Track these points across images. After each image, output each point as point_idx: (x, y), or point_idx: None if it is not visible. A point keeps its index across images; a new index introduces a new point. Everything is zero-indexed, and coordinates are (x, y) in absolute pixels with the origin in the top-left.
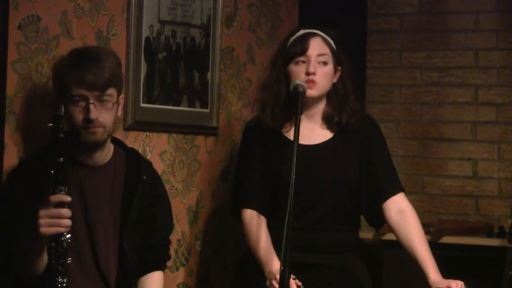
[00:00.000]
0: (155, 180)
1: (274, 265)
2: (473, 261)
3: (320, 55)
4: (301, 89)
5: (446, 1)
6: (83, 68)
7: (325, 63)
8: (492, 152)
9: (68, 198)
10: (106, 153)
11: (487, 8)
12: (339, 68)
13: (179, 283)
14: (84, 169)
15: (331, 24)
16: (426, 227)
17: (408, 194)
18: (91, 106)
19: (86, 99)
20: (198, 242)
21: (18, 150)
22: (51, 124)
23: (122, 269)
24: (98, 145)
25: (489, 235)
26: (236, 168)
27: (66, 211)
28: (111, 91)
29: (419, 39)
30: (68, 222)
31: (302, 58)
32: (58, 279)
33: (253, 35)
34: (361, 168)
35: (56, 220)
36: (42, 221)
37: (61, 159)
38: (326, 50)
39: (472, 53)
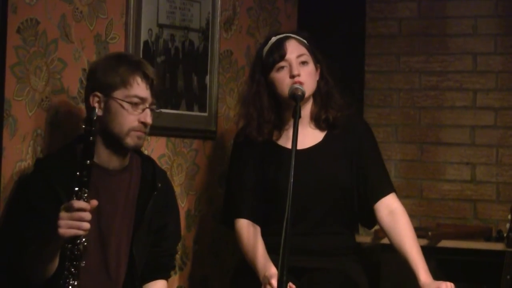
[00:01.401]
0: (169, 189)
1: (269, 269)
2: (471, 265)
3: (299, 56)
4: (299, 93)
5: (444, 6)
6: (150, 72)
7: (306, 63)
8: (490, 156)
9: (89, 206)
10: (127, 158)
11: (486, 13)
12: (318, 65)
13: (178, 287)
14: (101, 172)
15: (330, 28)
16: (424, 231)
17: (406, 198)
18: (149, 111)
19: (145, 103)
20: (196, 246)
21: (16, 153)
22: (84, 126)
23: (130, 274)
24: (133, 150)
25: (488, 239)
26: (226, 182)
27: (87, 215)
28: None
29: (417, 44)
30: (87, 225)
31: (282, 64)
32: (70, 281)
33: (251, 39)
34: (352, 169)
35: (77, 223)
36: (62, 222)
37: (88, 161)
38: (304, 50)
39: (471, 58)
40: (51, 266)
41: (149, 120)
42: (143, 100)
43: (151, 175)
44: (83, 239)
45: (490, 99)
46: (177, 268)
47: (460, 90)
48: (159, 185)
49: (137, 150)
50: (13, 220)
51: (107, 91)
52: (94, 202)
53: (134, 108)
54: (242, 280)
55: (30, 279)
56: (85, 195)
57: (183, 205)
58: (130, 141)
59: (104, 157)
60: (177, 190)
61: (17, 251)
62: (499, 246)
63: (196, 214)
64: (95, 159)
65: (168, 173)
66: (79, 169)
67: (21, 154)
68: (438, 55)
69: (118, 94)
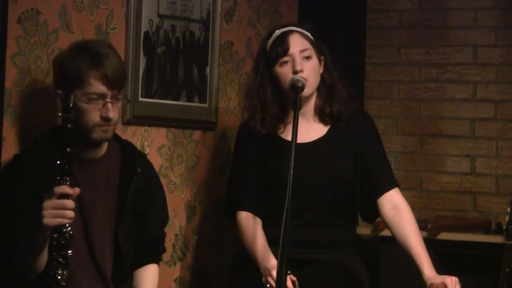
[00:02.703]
0: (150, 172)
1: (270, 261)
2: (470, 257)
3: (302, 50)
4: (299, 84)
5: None
6: (105, 67)
7: (309, 58)
8: (490, 148)
9: (72, 191)
10: (102, 145)
11: (486, 5)
12: (322, 58)
13: (177, 278)
14: (79, 162)
15: (331, 20)
16: (424, 223)
17: (406, 190)
18: (110, 105)
19: (104, 98)
20: (195, 237)
21: (16, 143)
22: (60, 114)
23: (117, 262)
24: (101, 142)
25: (487, 231)
26: (230, 173)
27: (70, 203)
28: (123, 89)
29: (418, 36)
30: (71, 213)
31: (286, 58)
32: (58, 271)
33: (252, 30)
34: (355, 163)
35: (60, 211)
36: (46, 212)
37: (68, 149)
38: (307, 44)
39: (471, 50)
40: (41, 259)
41: (110, 114)
42: (101, 95)
43: (131, 160)
44: (69, 228)
45: (490, 92)
46: (176, 259)
47: (460, 83)
48: (139, 169)
49: (114, 136)
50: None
51: (67, 89)
52: (77, 190)
53: (94, 104)
54: (241, 271)
55: (23, 275)
56: (67, 183)
57: (183, 196)
58: (96, 135)
59: (79, 148)
60: (177, 181)
61: (4, 252)
62: (498, 239)
63: (196, 205)
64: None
65: (168, 164)
66: (59, 157)
67: (21, 144)
68: (439, 47)
69: (77, 93)
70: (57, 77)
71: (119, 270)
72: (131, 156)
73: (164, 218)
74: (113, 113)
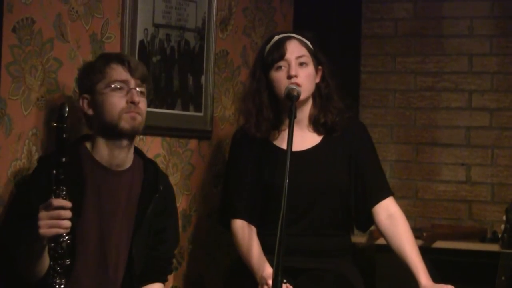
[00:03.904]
0: (170, 193)
1: (266, 270)
2: (466, 266)
3: (298, 57)
4: (295, 93)
5: (440, 7)
6: (125, 58)
7: (305, 64)
8: (485, 157)
9: (69, 204)
10: (129, 157)
11: (481, 14)
12: (320, 67)
13: (173, 287)
14: (103, 172)
15: (326, 29)
16: (419, 231)
17: (401, 199)
18: (134, 91)
19: (128, 84)
20: (191, 246)
21: (11, 153)
22: (55, 124)
23: (128, 274)
24: (135, 134)
25: (482, 240)
26: (224, 180)
27: (66, 213)
28: (145, 86)
29: (413, 44)
30: (67, 223)
31: (281, 63)
32: (56, 280)
33: (247, 39)
34: (350, 172)
35: (56, 222)
36: (42, 222)
37: (64, 159)
38: (304, 52)
39: (466, 59)
40: (41, 265)
41: (136, 98)
42: (124, 82)
43: (154, 178)
44: (66, 237)
45: (485, 100)
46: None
47: (455, 91)
48: (161, 187)
49: (139, 152)
50: (12, 219)
51: (91, 88)
52: (68, 204)
53: (118, 92)
54: (237, 280)
55: (25, 278)
56: (63, 193)
57: (178, 204)
58: (125, 124)
59: (106, 155)
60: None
61: (12, 250)
62: (494, 247)
63: (191, 214)
64: (97, 158)
65: None
66: (55, 167)
67: (17, 154)
68: (434, 55)
69: (100, 86)
70: (80, 86)
71: (129, 283)
72: (154, 173)
73: (176, 240)
74: (140, 99)
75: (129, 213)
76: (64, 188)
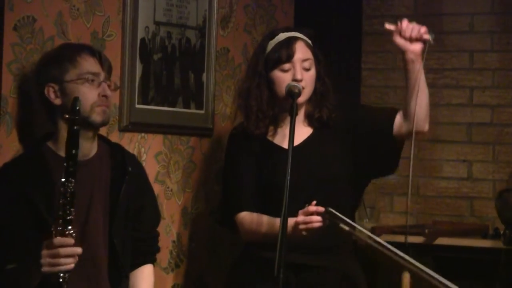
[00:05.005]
0: (141, 172)
1: (290, 221)
2: (467, 262)
3: (304, 60)
4: (296, 90)
5: (441, 3)
6: (95, 50)
7: (309, 69)
8: (487, 153)
9: (71, 241)
10: (94, 145)
11: (482, 10)
12: (318, 66)
13: (174, 285)
14: None
15: (327, 26)
16: (421, 228)
17: (403, 195)
18: (105, 84)
19: (99, 77)
20: (193, 244)
21: (13, 151)
22: (67, 116)
23: (113, 262)
24: (102, 126)
25: (484, 236)
26: (224, 180)
27: (71, 250)
28: (111, 79)
29: None
30: (70, 260)
31: (287, 66)
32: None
33: (248, 36)
34: (346, 156)
35: (57, 260)
36: (43, 260)
37: (74, 151)
38: (309, 55)
39: (467, 55)
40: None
41: (108, 92)
42: (96, 75)
43: (121, 161)
44: (66, 274)
45: (486, 97)
46: (173, 266)
47: (456, 88)
48: (130, 169)
49: (103, 139)
50: None
51: (59, 77)
52: (71, 241)
53: (90, 84)
54: (239, 278)
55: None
56: (72, 185)
57: (180, 202)
58: (97, 117)
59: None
60: (174, 187)
61: None
62: (495, 244)
63: (193, 212)
64: (62, 154)
65: (164, 170)
66: (66, 159)
67: (18, 152)
68: (435, 52)
69: (71, 75)
70: (43, 74)
71: (115, 271)
72: (121, 157)
73: (156, 217)
74: (110, 92)
75: (102, 201)
76: (73, 180)
